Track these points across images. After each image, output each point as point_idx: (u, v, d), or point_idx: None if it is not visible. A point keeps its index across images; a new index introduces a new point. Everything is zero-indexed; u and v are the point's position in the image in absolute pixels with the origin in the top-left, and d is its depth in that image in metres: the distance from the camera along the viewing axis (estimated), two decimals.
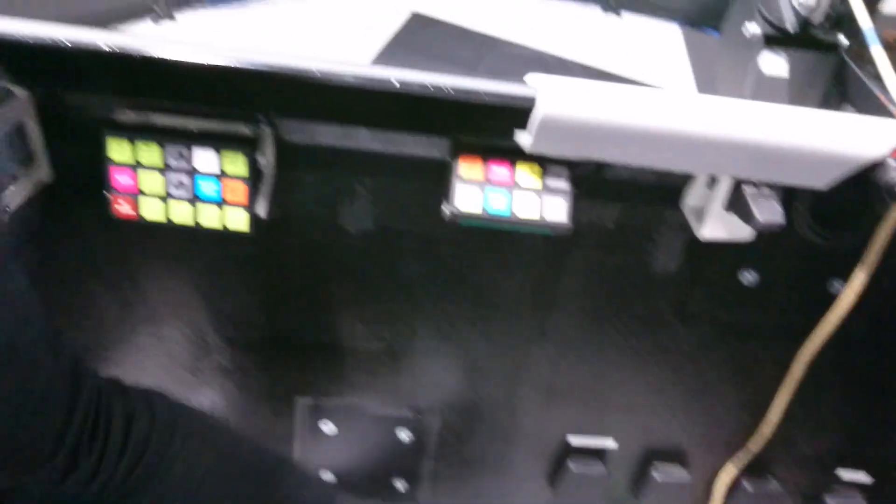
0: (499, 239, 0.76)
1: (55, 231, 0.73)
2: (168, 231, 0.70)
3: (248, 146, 0.66)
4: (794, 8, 0.76)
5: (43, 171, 0.68)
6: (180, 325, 0.83)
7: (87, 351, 0.83)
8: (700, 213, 0.72)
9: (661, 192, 0.73)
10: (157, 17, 0.86)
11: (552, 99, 0.58)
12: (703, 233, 0.71)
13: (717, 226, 0.71)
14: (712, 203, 0.69)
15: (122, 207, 0.67)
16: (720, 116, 0.59)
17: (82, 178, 0.68)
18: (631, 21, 2.18)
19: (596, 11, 2.18)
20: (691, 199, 0.72)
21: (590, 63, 1.93)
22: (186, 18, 1.51)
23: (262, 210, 0.69)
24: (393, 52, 2.01)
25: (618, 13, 2.09)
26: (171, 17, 0.88)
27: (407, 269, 0.79)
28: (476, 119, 0.63)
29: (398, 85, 0.60)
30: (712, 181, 0.70)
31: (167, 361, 0.86)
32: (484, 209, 0.66)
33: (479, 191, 0.66)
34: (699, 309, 0.82)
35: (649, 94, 0.59)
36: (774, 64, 0.80)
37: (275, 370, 0.87)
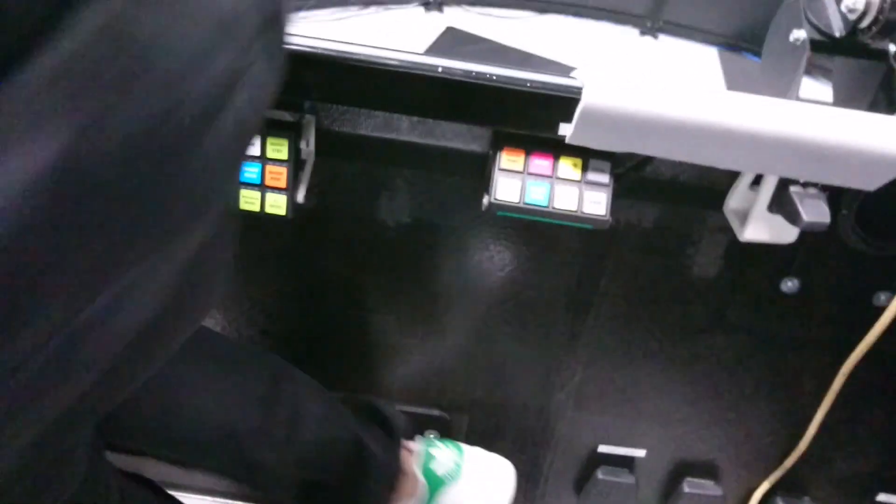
0: (536, 237, 0.76)
1: None
2: None
3: (291, 132, 0.67)
4: (841, 14, 0.75)
5: None
6: (215, 314, 0.83)
7: None
8: (743, 216, 0.71)
9: (703, 193, 0.72)
10: None
11: (598, 91, 0.58)
12: (746, 234, 0.70)
13: (759, 227, 0.70)
14: (756, 203, 0.68)
15: None
16: (770, 114, 0.59)
17: None
18: (667, 43, 2.19)
19: (633, 33, 2.19)
20: (734, 200, 0.71)
21: None
22: None
23: (300, 196, 0.69)
24: None
25: (654, 36, 2.10)
26: None
27: (442, 265, 0.79)
28: (520, 110, 0.63)
29: (443, 71, 0.60)
30: (756, 181, 0.69)
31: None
32: (523, 199, 0.66)
33: (520, 182, 0.66)
34: (738, 317, 0.81)
35: (698, 91, 0.59)
36: (815, 89, 0.79)
37: (306, 363, 0.87)
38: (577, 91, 0.59)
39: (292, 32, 0.62)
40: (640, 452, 0.92)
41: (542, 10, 2.66)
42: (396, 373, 0.87)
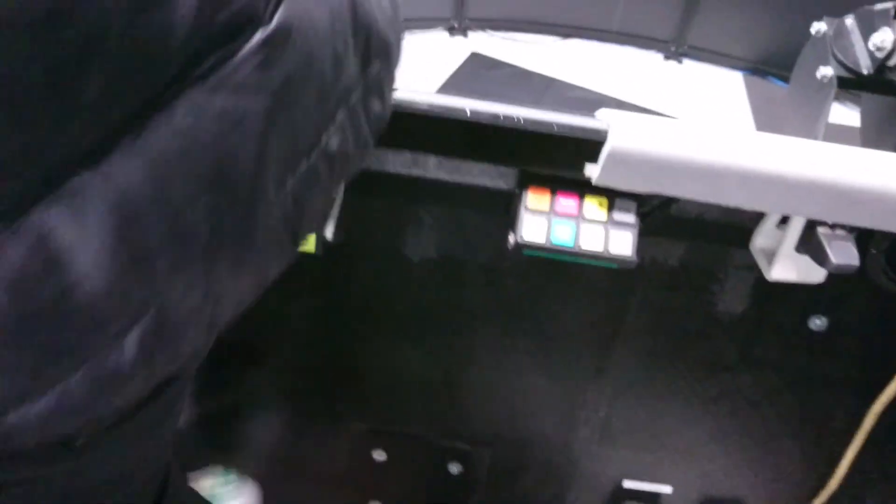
0: (562, 272, 0.76)
1: None
2: None
3: None
4: (869, 51, 0.75)
5: None
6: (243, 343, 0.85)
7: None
8: (770, 254, 0.70)
9: (730, 230, 0.72)
10: None
11: (623, 133, 0.58)
12: (773, 274, 0.69)
13: (787, 267, 0.69)
14: (783, 243, 0.68)
15: None
16: (795, 156, 0.59)
17: None
18: (692, 67, 2.19)
19: (657, 58, 2.21)
20: (761, 238, 0.71)
21: (649, 106, 1.96)
22: None
23: (329, 233, 0.70)
24: (452, 89, 2.07)
25: (679, 60, 2.10)
26: None
27: (468, 300, 0.79)
28: (546, 151, 0.63)
29: (471, 114, 0.61)
30: (783, 221, 0.68)
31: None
32: (549, 240, 0.66)
33: (546, 221, 0.66)
34: (765, 354, 0.80)
35: (722, 132, 0.59)
36: (845, 116, 0.79)
37: (331, 394, 0.88)
38: (603, 133, 0.60)
39: None
40: (665, 489, 0.91)
41: (567, 35, 2.69)
42: (421, 405, 0.87)
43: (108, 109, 0.24)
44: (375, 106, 0.42)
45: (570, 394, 0.85)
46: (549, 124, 0.61)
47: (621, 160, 0.60)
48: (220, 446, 0.94)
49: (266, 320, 0.83)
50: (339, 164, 0.40)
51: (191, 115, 0.27)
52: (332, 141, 0.38)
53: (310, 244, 0.70)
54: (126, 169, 0.24)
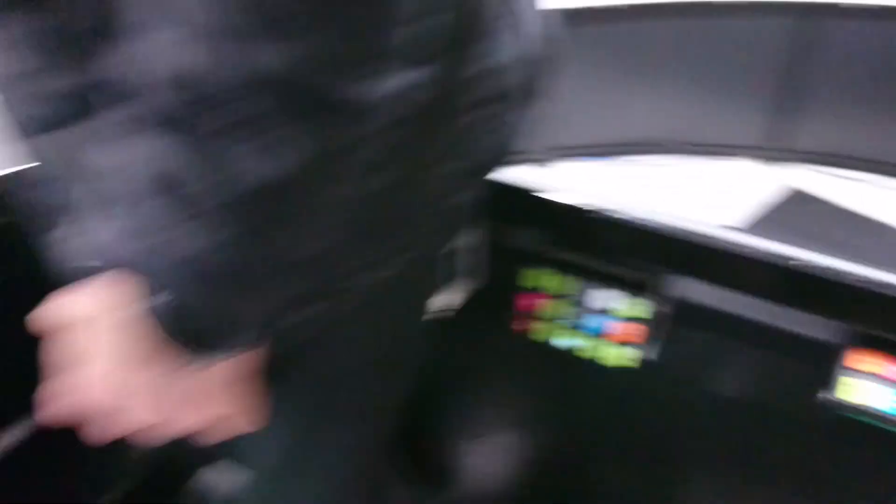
0: (880, 439, 0.71)
1: (474, 327, 0.86)
2: (549, 354, 0.79)
3: (647, 293, 0.75)
4: None
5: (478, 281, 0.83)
6: (525, 436, 0.90)
7: (440, 434, 0.93)
8: None
9: None
10: (537, 162, 1.00)
11: None
12: None
13: None
14: None
15: (528, 327, 0.79)
16: None
17: (501, 294, 0.82)
18: None
19: None
20: None
21: None
22: (561, 167, 1.75)
23: (653, 353, 0.75)
24: (766, 224, 2.01)
25: None
26: (546, 164, 1.01)
27: (765, 447, 0.77)
28: (877, 311, 0.62)
29: (800, 263, 0.63)
30: None
31: (498, 465, 0.92)
32: (872, 405, 0.64)
33: (870, 385, 0.64)
34: None
35: None
36: None
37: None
38: None
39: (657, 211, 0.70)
40: None
41: (890, 174, 2.40)
42: None
43: None
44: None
45: None
46: (885, 284, 0.61)
47: None
48: None
49: (558, 421, 0.88)
50: None
51: None
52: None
53: (635, 360, 0.76)
54: None
